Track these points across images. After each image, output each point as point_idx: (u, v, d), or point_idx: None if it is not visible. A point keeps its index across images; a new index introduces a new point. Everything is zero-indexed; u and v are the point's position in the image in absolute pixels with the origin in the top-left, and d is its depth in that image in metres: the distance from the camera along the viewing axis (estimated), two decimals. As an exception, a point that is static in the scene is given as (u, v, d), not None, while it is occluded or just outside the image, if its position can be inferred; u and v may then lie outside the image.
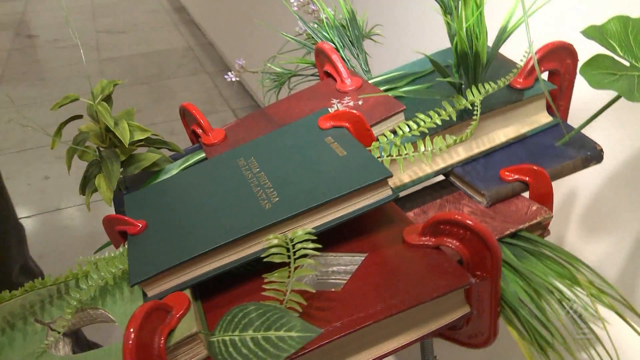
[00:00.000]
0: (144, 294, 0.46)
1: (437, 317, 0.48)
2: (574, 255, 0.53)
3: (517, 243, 0.55)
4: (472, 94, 0.58)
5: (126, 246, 0.51)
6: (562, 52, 0.65)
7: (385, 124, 0.61)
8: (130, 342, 0.37)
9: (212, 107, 2.88)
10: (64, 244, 1.95)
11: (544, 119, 0.67)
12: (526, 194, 0.61)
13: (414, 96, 0.62)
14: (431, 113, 0.57)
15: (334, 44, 0.76)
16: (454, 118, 0.56)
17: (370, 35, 0.82)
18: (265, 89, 0.85)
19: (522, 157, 0.63)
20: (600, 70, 0.55)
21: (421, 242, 0.50)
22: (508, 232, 0.56)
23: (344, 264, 0.48)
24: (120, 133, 0.56)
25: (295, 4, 0.81)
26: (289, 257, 0.44)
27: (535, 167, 0.59)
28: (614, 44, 0.59)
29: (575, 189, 0.84)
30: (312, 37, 0.81)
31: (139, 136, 0.58)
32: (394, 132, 0.58)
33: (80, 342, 1.14)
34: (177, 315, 0.42)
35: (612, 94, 0.56)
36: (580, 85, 0.64)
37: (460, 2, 0.54)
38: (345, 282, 0.46)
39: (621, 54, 0.58)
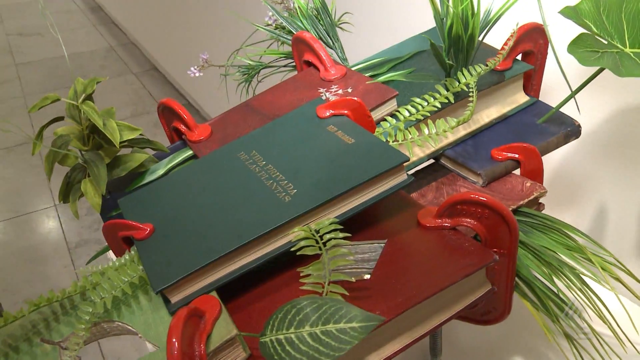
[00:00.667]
0: (166, 301, 0.43)
1: (461, 297, 0.48)
2: (575, 227, 0.55)
3: (520, 219, 0.56)
4: (464, 76, 0.58)
5: (132, 252, 0.48)
6: (535, 33, 0.67)
7: (379, 110, 0.60)
8: (175, 352, 0.35)
9: (143, 108, 2.78)
10: (-2, 261, 1.83)
11: (522, 98, 0.69)
12: (516, 172, 0.63)
13: (411, 80, 0.62)
14: (427, 97, 0.57)
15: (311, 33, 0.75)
16: (452, 100, 0.56)
17: (340, 24, 0.81)
18: (237, 83, 0.82)
19: (508, 136, 0.65)
20: (585, 49, 0.57)
21: (438, 224, 0.50)
22: (510, 209, 0.57)
23: (366, 252, 0.48)
24: (110, 133, 0.52)
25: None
26: (319, 248, 0.42)
27: (525, 145, 0.61)
28: (589, 23, 0.62)
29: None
30: (281, 28, 0.80)
31: (128, 136, 0.55)
32: (394, 117, 0.58)
33: None
34: (211, 320, 0.40)
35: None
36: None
37: (451, -16, 0.55)
38: (372, 269, 0.46)
39: (597, 32, 0.61)
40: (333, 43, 0.75)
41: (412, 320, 0.45)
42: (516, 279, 0.52)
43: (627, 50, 0.58)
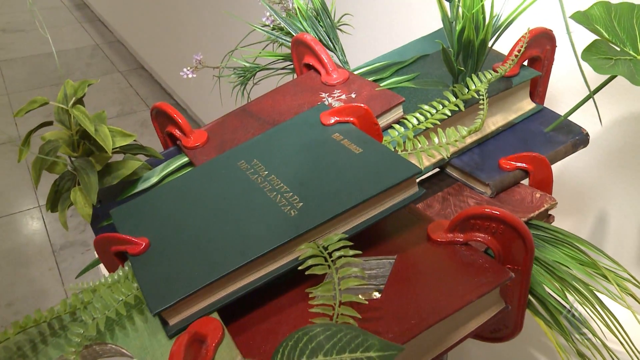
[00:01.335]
0: (164, 323, 0.40)
1: (473, 316, 0.46)
2: (588, 241, 0.53)
3: (531, 232, 0.54)
4: (474, 82, 0.56)
5: (127, 268, 0.45)
6: (543, 38, 0.65)
7: (385, 117, 0.58)
8: (176, 382, 0.32)
9: (129, 107, 2.73)
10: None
11: (528, 105, 0.67)
12: (525, 181, 0.61)
13: (420, 87, 0.60)
14: (435, 104, 0.55)
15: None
16: (462, 108, 0.54)
17: (340, 26, 0.78)
18: (231, 85, 0.79)
19: (514, 145, 0.63)
20: (599, 56, 0.55)
21: (450, 239, 0.47)
22: (521, 222, 0.55)
23: (374, 268, 0.45)
24: (102, 139, 0.49)
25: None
26: (328, 266, 0.40)
27: (535, 155, 0.59)
28: (600, 29, 0.60)
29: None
30: (279, 29, 0.77)
31: (121, 142, 0.51)
32: (401, 125, 0.55)
33: None
34: (213, 345, 0.37)
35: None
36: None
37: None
38: (383, 286, 0.43)
39: (608, 38, 0.59)
40: (334, 45, 0.72)
41: (423, 342, 0.42)
42: (529, 295, 0.50)
43: (641, 57, 0.56)
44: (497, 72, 0.57)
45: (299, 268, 0.40)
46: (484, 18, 0.53)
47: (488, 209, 0.45)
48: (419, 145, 0.51)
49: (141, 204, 0.50)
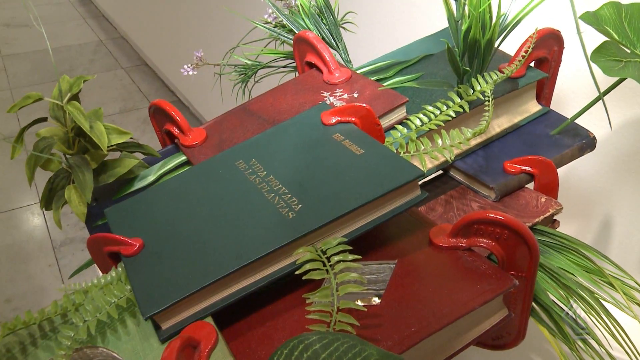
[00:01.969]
0: (157, 327, 0.39)
1: (475, 324, 0.44)
2: (593, 247, 0.52)
3: (536, 238, 0.53)
4: (479, 83, 0.55)
5: (120, 269, 0.44)
6: (551, 39, 0.64)
7: (387, 118, 0.57)
8: (166, 389, 0.31)
9: (132, 104, 2.72)
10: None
11: (534, 107, 0.66)
12: (530, 185, 0.59)
13: (424, 87, 0.59)
14: (439, 105, 0.54)
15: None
16: (467, 109, 0.53)
17: (343, 24, 0.77)
18: (232, 83, 0.78)
19: (519, 148, 0.62)
20: (608, 57, 0.54)
21: (452, 244, 0.46)
22: (525, 227, 0.54)
23: (374, 273, 0.44)
24: (97, 137, 0.48)
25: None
26: (327, 271, 0.39)
27: (541, 159, 0.57)
28: (610, 30, 0.58)
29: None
30: (281, 26, 0.76)
31: (117, 140, 0.50)
32: (404, 125, 0.54)
33: None
34: (207, 350, 0.36)
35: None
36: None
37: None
38: (382, 291, 0.42)
39: (618, 39, 0.57)
40: (336, 44, 0.71)
41: (423, 350, 0.41)
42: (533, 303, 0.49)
43: (653, 60, 0.55)
44: (503, 73, 0.56)
45: (296, 273, 0.39)
46: (490, 17, 0.51)
47: (492, 213, 0.44)
48: (422, 147, 0.50)
49: (136, 204, 0.49)
